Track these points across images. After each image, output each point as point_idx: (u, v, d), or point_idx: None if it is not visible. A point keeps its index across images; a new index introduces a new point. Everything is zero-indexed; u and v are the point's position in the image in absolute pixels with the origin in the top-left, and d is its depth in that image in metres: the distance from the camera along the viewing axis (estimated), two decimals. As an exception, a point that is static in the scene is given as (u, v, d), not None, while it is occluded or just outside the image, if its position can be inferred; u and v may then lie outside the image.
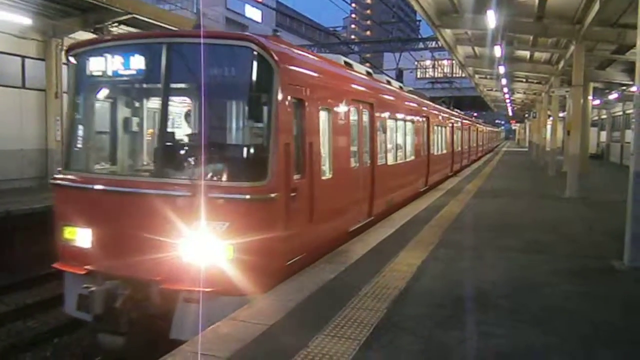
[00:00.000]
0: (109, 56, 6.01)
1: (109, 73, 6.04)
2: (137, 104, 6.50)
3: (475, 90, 43.81)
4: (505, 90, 34.91)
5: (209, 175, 5.58)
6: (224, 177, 5.68)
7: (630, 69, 20.44)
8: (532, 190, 16.43)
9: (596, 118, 37.59)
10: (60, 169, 6.39)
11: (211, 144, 5.77)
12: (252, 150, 5.84)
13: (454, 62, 39.87)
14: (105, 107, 6.66)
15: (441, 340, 4.36)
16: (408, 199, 12.44)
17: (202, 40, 5.41)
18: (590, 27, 14.06)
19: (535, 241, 8.49)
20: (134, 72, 5.92)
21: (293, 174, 5.96)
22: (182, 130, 6.67)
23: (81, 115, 6.60)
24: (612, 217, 10.42)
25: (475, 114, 58.44)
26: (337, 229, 7.64)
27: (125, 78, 6.09)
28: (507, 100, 46.11)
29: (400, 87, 14.13)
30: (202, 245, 5.26)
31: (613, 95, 28.11)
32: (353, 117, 8.38)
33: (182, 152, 6.11)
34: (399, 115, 12.03)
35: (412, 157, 13.27)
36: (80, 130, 6.62)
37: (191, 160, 5.88)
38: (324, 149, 7.14)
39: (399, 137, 12.02)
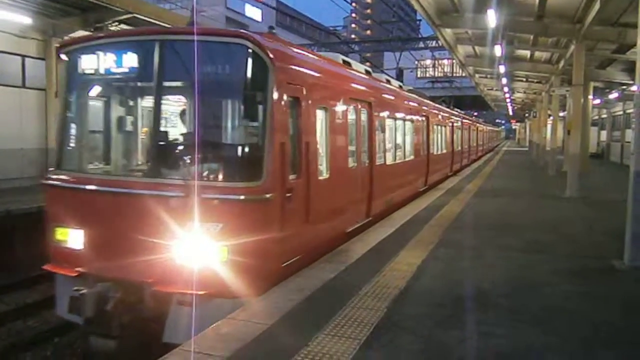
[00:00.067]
0: (100, 54, 5.90)
1: (101, 71, 5.93)
2: (129, 103, 6.39)
3: (476, 89, 43.82)
4: (506, 89, 34.92)
5: (203, 175, 5.50)
6: (218, 177, 5.60)
7: (630, 69, 20.44)
8: (532, 190, 16.44)
9: (596, 117, 37.57)
10: (52, 168, 6.30)
11: (205, 144, 5.63)
12: (246, 150, 5.75)
13: (454, 61, 39.88)
14: (97, 106, 6.55)
15: (441, 339, 4.36)
16: (407, 199, 12.37)
17: (195, 38, 5.30)
18: (590, 26, 14.05)
19: (535, 241, 8.49)
20: (126, 70, 5.82)
21: (289, 174, 5.85)
22: (175, 130, 6.56)
23: (73, 114, 6.49)
24: (612, 217, 10.42)
25: (475, 114, 58.43)
26: (335, 230, 7.54)
27: (117, 76, 5.98)
28: (508, 100, 46.11)
29: (400, 87, 14.08)
30: (195, 247, 5.16)
31: (613, 95, 28.10)
32: (351, 116, 8.30)
33: (176, 151, 6.00)
34: (398, 115, 11.94)
35: (412, 157, 13.18)
36: (72, 129, 6.52)
37: (185, 159, 5.77)
38: (321, 149, 7.04)
39: (398, 136, 11.92)
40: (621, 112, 31.01)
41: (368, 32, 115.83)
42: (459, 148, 23.69)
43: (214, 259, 5.14)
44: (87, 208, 5.77)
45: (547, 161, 24.86)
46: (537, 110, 36.47)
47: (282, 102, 5.77)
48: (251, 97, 5.62)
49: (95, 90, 6.48)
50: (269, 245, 5.46)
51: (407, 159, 12.68)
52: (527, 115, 56.03)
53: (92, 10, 14.59)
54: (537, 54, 22.78)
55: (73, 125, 6.51)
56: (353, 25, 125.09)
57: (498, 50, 17.67)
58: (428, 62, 59.48)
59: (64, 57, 6.25)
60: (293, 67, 6.36)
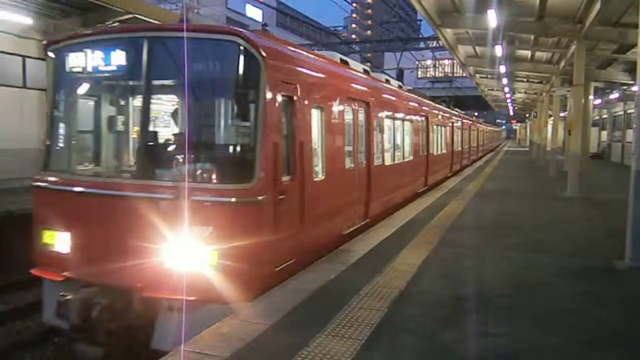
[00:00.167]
0: (88, 51, 5.74)
1: (89, 69, 5.77)
2: (117, 102, 6.22)
3: (476, 89, 43.83)
4: (506, 89, 34.92)
5: (193, 177, 5.33)
6: (208, 179, 5.43)
7: (631, 69, 20.44)
8: (533, 190, 16.43)
9: (597, 118, 37.56)
10: (41, 170, 6.13)
11: (195, 144, 5.42)
12: (238, 151, 5.61)
13: (454, 61, 39.91)
14: (84, 105, 6.40)
15: (442, 339, 4.36)
16: (407, 200, 12.26)
17: (185, 35, 5.14)
18: (591, 26, 14.05)
19: (536, 241, 8.48)
20: (114, 68, 5.65)
21: (282, 175, 5.68)
22: (164, 130, 6.38)
23: (60, 113, 6.32)
24: (613, 217, 10.39)
25: (476, 114, 58.44)
26: (331, 233, 7.40)
27: (105, 74, 5.81)
28: (508, 100, 46.11)
29: (400, 86, 14.01)
30: (184, 251, 4.99)
31: (614, 95, 28.08)
32: (348, 116, 8.14)
33: (165, 152, 5.80)
34: (397, 115, 11.81)
35: (411, 158, 13.06)
36: (59, 130, 6.35)
37: (174, 160, 5.58)
38: (316, 149, 6.87)
39: (396, 137, 11.78)
40: (622, 113, 31.01)
41: (369, 32, 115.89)
42: (459, 148, 23.67)
43: (204, 263, 4.97)
44: (74, 210, 5.62)
45: (547, 161, 24.85)
46: (537, 110, 36.46)
47: (275, 101, 5.61)
48: (243, 95, 5.49)
49: (83, 88, 6.28)
50: (261, 249, 5.28)
51: (406, 160, 12.56)
52: (527, 115, 56.06)
53: (93, 11, 14.61)
54: (538, 54, 22.77)
55: (60, 126, 6.34)
56: (354, 26, 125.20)
57: (499, 51, 17.67)
58: (429, 62, 59.53)
59: (51, 54, 6.11)
60: (286, 65, 6.18)
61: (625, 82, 23.37)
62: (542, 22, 15.51)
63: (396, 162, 11.57)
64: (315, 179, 6.73)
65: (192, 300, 4.90)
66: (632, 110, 24.13)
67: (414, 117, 13.56)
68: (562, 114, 31.55)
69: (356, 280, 5.86)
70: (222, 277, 4.95)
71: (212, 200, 5.13)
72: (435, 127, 16.69)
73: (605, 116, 36.97)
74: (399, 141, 12.02)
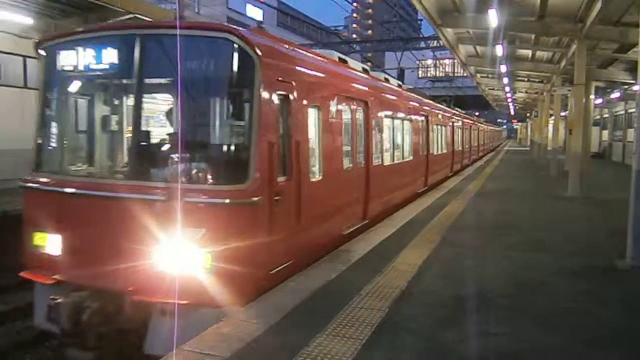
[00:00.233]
0: (79, 49, 5.63)
1: (80, 67, 5.66)
2: (108, 101, 6.11)
3: (477, 89, 43.80)
4: (507, 89, 34.91)
5: (186, 178, 5.20)
6: (202, 180, 5.32)
7: (632, 68, 20.41)
8: (534, 190, 16.43)
9: (598, 117, 37.54)
10: (32, 170, 6.04)
11: (188, 144, 5.27)
12: (232, 151, 5.45)
13: (455, 61, 39.89)
14: (75, 104, 6.28)
15: (442, 339, 4.35)
16: (406, 200, 12.16)
17: (178, 32, 5.02)
18: (592, 25, 14.03)
19: (536, 240, 8.48)
20: (106, 66, 5.53)
21: (277, 175, 5.56)
22: (157, 129, 6.24)
23: (51, 112, 6.20)
24: (614, 216, 10.37)
25: (477, 113, 58.44)
26: (328, 234, 7.29)
27: (96, 72, 5.69)
28: (509, 99, 46.09)
29: (399, 85, 13.93)
30: (177, 254, 4.88)
31: (615, 94, 28.07)
32: (346, 115, 8.04)
33: (157, 152, 5.67)
34: (397, 114, 11.73)
35: (410, 157, 12.96)
36: (50, 129, 6.22)
37: (166, 161, 5.47)
38: (314, 149, 6.77)
39: (396, 136, 11.67)
40: (623, 112, 30.99)
41: (369, 32, 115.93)
42: (460, 148, 23.63)
43: (197, 266, 4.86)
44: (64, 212, 5.50)
45: (548, 161, 24.83)
46: (538, 110, 36.46)
47: (270, 100, 5.51)
48: (237, 94, 5.39)
49: (74, 87, 6.15)
50: (255, 252, 5.17)
51: (405, 160, 12.46)
52: (528, 115, 56.02)
53: (93, 11, 14.61)
54: (539, 53, 22.76)
55: (51, 125, 6.23)
56: (354, 25, 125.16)
57: (499, 50, 17.66)
58: (429, 61, 59.48)
59: (42, 52, 6.00)
60: (282, 63, 6.06)
61: (626, 81, 23.34)
62: (543, 21, 15.49)
63: (395, 162, 11.46)
64: (313, 180, 6.62)
65: (185, 304, 4.80)
66: (633, 110, 24.09)
67: (413, 117, 13.47)
68: (563, 114, 31.50)
69: (357, 280, 5.85)
70: (215, 280, 4.84)
71: (206, 201, 5.01)
72: (435, 126, 16.61)
73: (606, 115, 36.95)
74: (398, 141, 11.92)
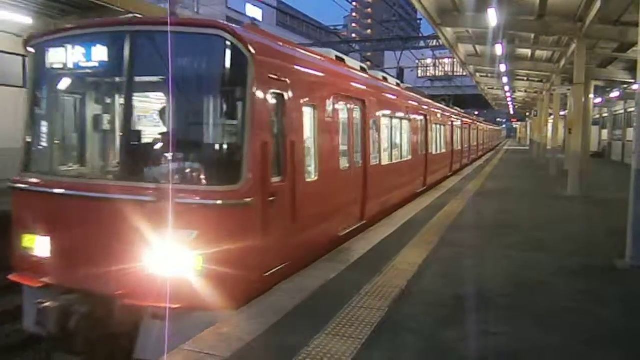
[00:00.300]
0: (69, 47, 5.51)
1: (69, 65, 5.53)
2: (98, 99, 5.97)
3: (476, 88, 43.80)
4: (507, 88, 34.92)
5: (177, 178, 5.06)
6: (193, 180, 5.20)
7: (631, 67, 20.41)
8: (533, 189, 16.43)
9: (597, 116, 37.55)
10: (21, 171, 5.93)
11: (179, 144, 5.11)
12: (224, 150, 5.32)
13: (455, 60, 39.89)
14: (64, 103, 6.16)
15: (442, 338, 4.36)
16: (405, 200, 12.09)
17: (169, 29, 4.89)
18: (591, 25, 14.04)
19: (536, 240, 8.48)
20: (96, 64, 5.40)
21: (271, 176, 5.44)
22: (148, 129, 6.06)
23: (41, 111, 6.08)
24: (613, 216, 10.38)
25: (476, 113, 58.43)
26: (324, 235, 7.18)
27: (85, 70, 5.59)
28: (509, 99, 46.10)
29: (398, 84, 13.87)
30: (168, 256, 4.76)
31: (614, 94, 28.07)
32: (343, 114, 7.93)
33: (148, 152, 5.51)
34: (395, 113, 11.65)
35: (409, 157, 12.90)
36: (39, 128, 6.11)
37: (157, 161, 5.32)
38: (309, 149, 6.65)
39: (394, 136, 11.58)
40: (622, 111, 31.00)
41: (369, 31, 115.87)
42: (459, 147, 23.61)
43: (189, 269, 4.74)
44: (53, 213, 5.40)
45: (548, 160, 24.84)
46: (538, 109, 36.46)
47: (264, 99, 5.39)
48: (229, 92, 5.24)
49: (64, 85, 6.01)
50: (248, 254, 5.06)
51: (404, 159, 12.41)
52: (528, 114, 56.03)
53: (93, 10, 14.59)
54: (538, 52, 22.77)
55: (40, 124, 6.12)
56: (354, 25, 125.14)
57: (499, 49, 17.65)
58: (429, 61, 59.48)
59: (31, 50, 5.86)
60: (277, 60, 5.94)
61: (626, 80, 23.35)
62: (542, 20, 15.50)
63: (394, 161, 11.39)
64: (308, 180, 6.52)
65: (176, 308, 4.69)
66: (632, 109, 24.10)
67: (412, 116, 13.40)
68: (562, 113, 31.54)
69: (357, 279, 5.86)
70: (207, 284, 4.74)
71: (197, 202, 4.90)
72: (434, 126, 16.56)
73: (605, 115, 36.97)
74: (396, 140, 11.84)
